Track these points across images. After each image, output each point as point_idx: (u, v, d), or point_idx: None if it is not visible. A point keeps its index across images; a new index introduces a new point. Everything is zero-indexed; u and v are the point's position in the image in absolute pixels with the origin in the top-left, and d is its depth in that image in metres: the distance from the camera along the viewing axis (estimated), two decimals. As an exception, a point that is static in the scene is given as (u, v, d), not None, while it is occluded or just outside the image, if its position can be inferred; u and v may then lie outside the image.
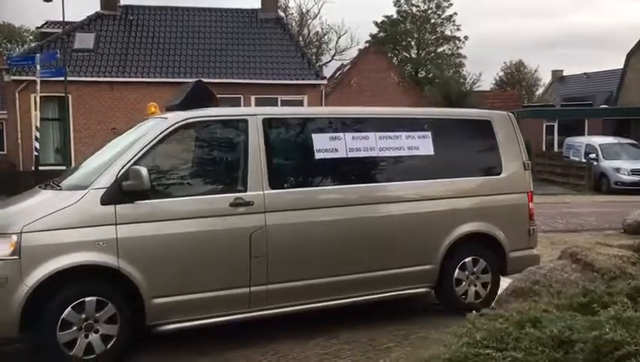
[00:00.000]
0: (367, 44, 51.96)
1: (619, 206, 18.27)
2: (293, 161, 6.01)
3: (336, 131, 6.10)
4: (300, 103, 24.13)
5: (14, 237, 4.87)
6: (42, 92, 19.82)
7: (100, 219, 5.09)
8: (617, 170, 22.85)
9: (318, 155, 5.96)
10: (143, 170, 5.05)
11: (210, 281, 5.46)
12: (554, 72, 53.09)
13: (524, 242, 6.95)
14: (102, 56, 25.13)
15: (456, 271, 6.53)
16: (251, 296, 5.60)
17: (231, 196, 5.55)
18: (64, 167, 22.86)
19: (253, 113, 5.84)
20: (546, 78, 53.86)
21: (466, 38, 53.33)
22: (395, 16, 53.94)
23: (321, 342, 5.76)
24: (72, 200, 5.09)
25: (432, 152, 6.48)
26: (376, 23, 54.10)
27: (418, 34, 53.75)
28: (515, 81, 54.38)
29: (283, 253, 5.68)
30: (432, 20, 53.81)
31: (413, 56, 54.21)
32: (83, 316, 5.03)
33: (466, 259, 6.58)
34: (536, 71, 56.16)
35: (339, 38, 50.06)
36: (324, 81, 26.53)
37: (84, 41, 25.37)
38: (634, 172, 22.60)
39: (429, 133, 6.50)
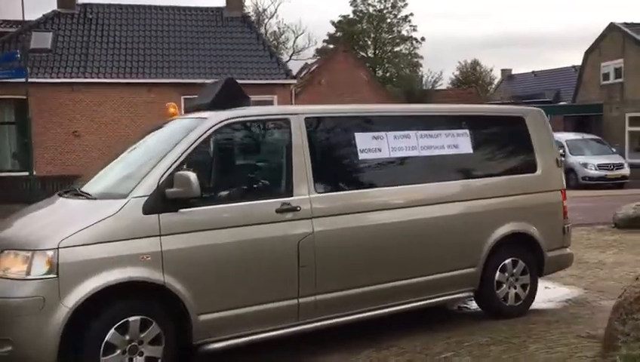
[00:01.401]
0: (325, 44, 51.98)
1: (595, 201, 18.60)
2: (337, 162, 5.65)
3: (378, 130, 5.77)
4: (270, 103, 23.60)
5: (50, 254, 4.34)
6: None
7: (144, 231, 4.61)
8: (585, 165, 23.33)
9: (361, 156, 5.63)
10: (192, 176, 4.59)
11: (258, 294, 5.05)
12: (503, 71, 54.22)
13: (560, 241, 6.79)
14: (60, 57, 24.04)
15: (497, 273, 6.31)
16: (299, 308, 5.22)
17: (277, 201, 5.15)
18: (26, 173, 21.84)
19: (294, 112, 5.46)
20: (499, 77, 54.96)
21: (422, 39, 53.90)
22: (351, 15, 54.00)
23: (373, 354, 5.43)
24: (111, 210, 4.59)
25: (471, 151, 6.24)
26: (333, 23, 54.10)
27: (375, 33, 53.93)
28: (471, 80, 55.23)
29: (331, 261, 5.32)
30: (389, 20, 54.13)
31: (370, 55, 54.35)
32: (127, 337, 4.55)
33: (506, 261, 6.36)
34: (491, 70, 57.34)
35: (296, 37, 49.68)
36: (294, 81, 26.12)
37: (41, 40, 24.04)
38: (600, 167, 23.14)
39: (467, 131, 6.26)
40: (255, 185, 5.28)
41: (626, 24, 28.78)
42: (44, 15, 25.33)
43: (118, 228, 4.54)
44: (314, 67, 34.57)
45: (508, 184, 6.40)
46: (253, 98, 22.16)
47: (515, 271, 6.42)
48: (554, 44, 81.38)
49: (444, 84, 51.95)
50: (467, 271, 6.10)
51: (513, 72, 53.29)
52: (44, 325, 4.29)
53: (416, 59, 53.61)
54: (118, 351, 4.51)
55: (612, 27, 29.41)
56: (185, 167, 4.80)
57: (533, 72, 50.72)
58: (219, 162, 5.16)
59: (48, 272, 4.33)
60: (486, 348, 5.50)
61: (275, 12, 53.62)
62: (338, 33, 53.58)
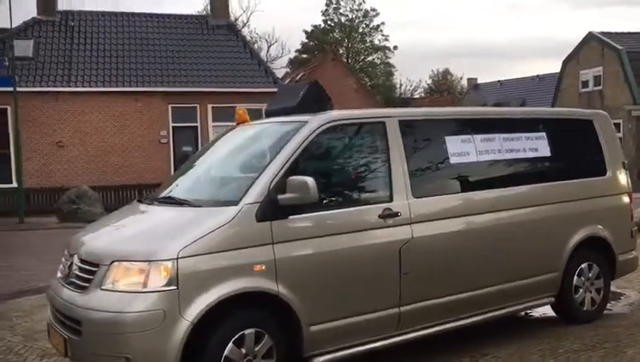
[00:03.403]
0: (298, 53, 51.88)
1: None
2: (430, 166, 5.50)
3: (466, 133, 5.66)
4: (260, 111, 23.37)
5: (169, 264, 4.08)
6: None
7: (257, 239, 4.38)
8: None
9: (452, 159, 5.51)
10: (310, 181, 4.38)
11: (363, 303, 4.86)
12: (469, 80, 55.13)
13: (628, 244, 6.78)
14: (43, 65, 23.43)
15: (575, 277, 6.25)
16: (401, 317, 5.05)
17: (379, 207, 4.98)
18: (10, 185, 21.09)
19: (389, 115, 5.30)
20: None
21: (395, 47, 54.35)
22: (322, 25, 54.12)
23: (471, 364, 5.28)
24: (224, 217, 4.34)
25: (549, 154, 6.18)
26: (306, 32, 54.09)
27: (347, 43, 54.16)
28: (443, 88, 55.96)
29: (429, 267, 5.17)
30: (361, 30, 54.42)
31: (343, 64, 54.53)
32: (243, 351, 4.31)
33: (583, 265, 6.31)
34: (461, 78, 58.28)
35: (270, 46, 49.33)
36: (283, 89, 25.86)
37: (22, 48, 23.46)
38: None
39: (544, 134, 6.21)
40: (358, 191, 5.08)
41: (604, 33, 29.52)
42: (24, 22, 24.63)
43: (234, 236, 4.31)
44: (300, 75, 34.37)
45: (583, 187, 6.36)
46: (243, 106, 21.66)
47: (590, 275, 6.38)
48: (512, 55, 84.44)
49: (418, 92, 52.60)
50: (550, 276, 6.02)
51: (479, 81, 54.25)
52: (165, 340, 4.02)
53: (389, 68, 54.01)
54: (235, 367, 4.27)
55: (591, 36, 30.13)
56: (294, 171, 4.60)
57: (499, 81, 51.77)
58: (322, 166, 4.95)
59: (168, 284, 4.06)
60: (583, 354, 5.41)
61: (248, 21, 53.21)
62: (311, 42, 53.61)
